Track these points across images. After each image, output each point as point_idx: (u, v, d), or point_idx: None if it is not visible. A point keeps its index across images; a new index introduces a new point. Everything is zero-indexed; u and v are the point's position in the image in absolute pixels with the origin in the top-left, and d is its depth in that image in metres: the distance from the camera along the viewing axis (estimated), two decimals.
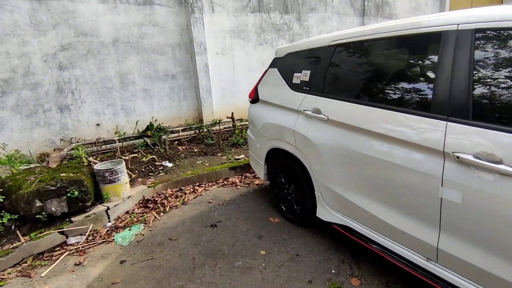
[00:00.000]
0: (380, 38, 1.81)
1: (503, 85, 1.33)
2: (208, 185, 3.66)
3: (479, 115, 1.36)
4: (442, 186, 1.44)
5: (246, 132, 5.01)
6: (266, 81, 2.87)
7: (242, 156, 4.28)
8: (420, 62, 1.64)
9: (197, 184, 3.65)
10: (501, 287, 1.32)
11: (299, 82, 2.42)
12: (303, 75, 2.37)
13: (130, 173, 3.69)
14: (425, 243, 1.59)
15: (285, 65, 2.64)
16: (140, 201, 3.21)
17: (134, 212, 3.03)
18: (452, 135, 1.40)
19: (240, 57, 6.01)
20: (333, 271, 2.07)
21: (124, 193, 3.05)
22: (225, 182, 3.71)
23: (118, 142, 4.61)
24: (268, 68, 2.87)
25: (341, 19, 7.42)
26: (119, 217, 2.95)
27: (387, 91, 1.77)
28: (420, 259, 1.65)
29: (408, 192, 1.62)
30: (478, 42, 1.38)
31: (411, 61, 1.71)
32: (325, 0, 6.99)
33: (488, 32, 1.36)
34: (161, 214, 3.02)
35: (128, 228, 2.79)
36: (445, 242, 1.50)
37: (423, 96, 1.59)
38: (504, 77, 1.32)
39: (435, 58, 1.53)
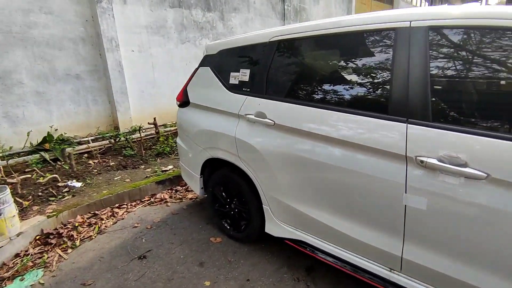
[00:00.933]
0: (329, 34, 1.66)
1: (461, 85, 1.29)
2: (131, 205, 3.07)
3: (440, 116, 1.29)
4: (406, 192, 1.34)
5: (173, 139, 4.49)
6: (197, 82, 2.50)
7: (170, 167, 3.78)
8: (374, 60, 1.53)
9: (117, 205, 3.03)
10: None
11: (237, 82, 2.13)
12: (242, 75, 2.10)
13: (21, 200, 2.85)
14: (388, 253, 1.48)
15: (219, 63, 2.33)
16: (37, 237, 2.47)
17: (29, 254, 2.29)
18: (413, 138, 1.31)
19: (160, 55, 5.43)
20: None
21: (11, 230, 2.28)
22: (152, 200, 3.18)
23: (1, 161, 3.58)
24: (198, 66, 2.51)
25: (264, 21, 7.45)
26: (4, 264, 2.18)
27: (340, 91, 1.63)
28: (382, 270, 1.54)
29: (369, 201, 1.49)
30: (432, 40, 1.32)
31: (363, 59, 1.60)
32: (247, 0, 6.90)
33: (443, 30, 1.31)
34: (69, 250, 2.36)
35: (20, 277, 2.08)
36: (410, 251, 1.41)
37: (379, 97, 1.48)
38: (462, 76, 1.28)
39: (389, 56, 1.43)
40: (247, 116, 1.98)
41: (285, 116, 1.79)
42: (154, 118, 4.83)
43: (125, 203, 3.09)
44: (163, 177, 3.42)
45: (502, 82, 1.24)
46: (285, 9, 7.99)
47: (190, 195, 3.27)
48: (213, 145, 2.27)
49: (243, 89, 2.09)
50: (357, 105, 1.54)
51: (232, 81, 2.17)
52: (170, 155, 4.22)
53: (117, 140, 4.39)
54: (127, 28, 4.89)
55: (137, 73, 5.14)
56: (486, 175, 1.14)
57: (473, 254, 1.23)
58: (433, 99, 1.30)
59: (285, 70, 1.91)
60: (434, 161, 1.24)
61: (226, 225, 2.46)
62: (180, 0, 5.58)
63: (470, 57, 1.28)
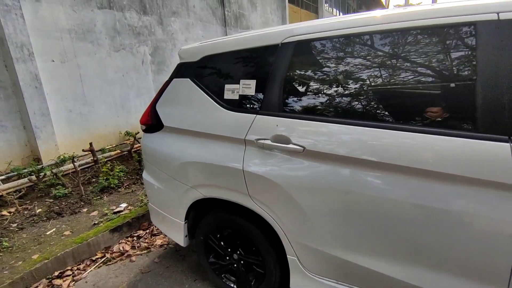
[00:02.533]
0: (377, 31, 1.27)
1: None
2: (78, 269, 2.24)
3: None
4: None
5: (119, 167, 3.63)
6: (171, 98, 1.88)
7: (123, 205, 2.98)
8: (447, 62, 1.19)
9: (57, 274, 2.17)
10: None
11: (236, 97, 1.61)
12: (244, 87, 1.58)
13: None
14: None
15: (204, 73, 1.77)
16: None
17: None
18: None
19: (90, 66, 4.45)
20: None
21: None
22: (109, 256, 2.39)
23: None
24: (171, 78, 1.90)
25: (205, 27, 6.91)
26: None
27: (405, 104, 1.25)
28: None
29: (465, 246, 1.13)
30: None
31: (433, 61, 1.24)
32: (186, 4, 6.28)
33: None
34: None
35: None
36: None
37: (463, 110, 1.15)
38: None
39: (470, 57, 1.11)
40: (260, 141, 1.48)
41: (321, 139, 1.34)
42: (91, 144, 3.87)
43: (69, 268, 2.24)
44: (117, 222, 2.63)
45: None
46: (226, 15, 7.59)
47: (159, 241, 2.56)
48: (208, 182, 1.69)
49: (247, 106, 1.58)
50: (434, 123, 1.18)
51: (229, 95, 1.64)
52: (120, 189, 3.37)
53: (41, 176, 3.35)
54: (44, 32, 3.85)
55: (62, 89, 4.09)
56: None
57: None
58: None
59: (312, 80, 1.46)
60: None
61: (227, 282, 1.88)
62: (110, 0, 4.69)
63: None
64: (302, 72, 1.48)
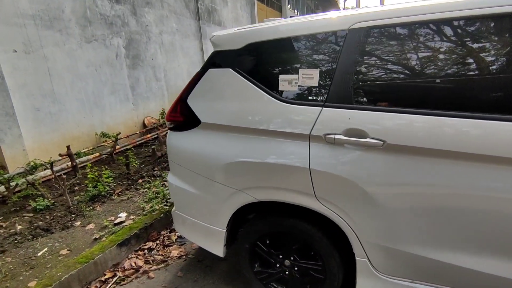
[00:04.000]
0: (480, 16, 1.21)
1: None
2: None
3: None
4: None
5: (105, 173, 3.22)
6: (209, 91, 1.66)
7: (123, 214, 2.63)
8: None
9: None
10: None
11: (295, 89, 1.46)
12: (305, 78, 1.44)
13: None
14: None
15: (250, 62, 1.58)
16: None
17: None
18: None
19: (59, 58, 3.90)
20: None
21: None
22: (121, 274, 2.07)
23: None
24: (205, 68, 1.67)
25: (179, 20, 6.53)
26: None
27: (488, 92, 1.21)
28: None
29: None
30: None
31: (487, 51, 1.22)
32: None
33: None
34: None
35: None
36: None
37: None
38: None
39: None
40: (330, 136, 1.35)
41: (405, 132, 1.25)
42: (68, 147, 3.39)
43: None
44: (123, 234, 2.30)
45: None
46: (199, 8, 7.25)
47: (174, 252, 2.29)
48: (263, 184, 1.52)
49: (309, 98, 1.43)
50: None
51: (285, 87, 1.48)
52: (112, 196, 2.98)
53: (12, 187, 2.83)
54: (1, 17, 3.26)
55: (27, 84, 3.52)
56: None
57: None
58: None
59: (387, 68, 1.37)
60: None
61: None
62: None
63: None
64: (376, 60, 1.37)
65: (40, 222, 2.49)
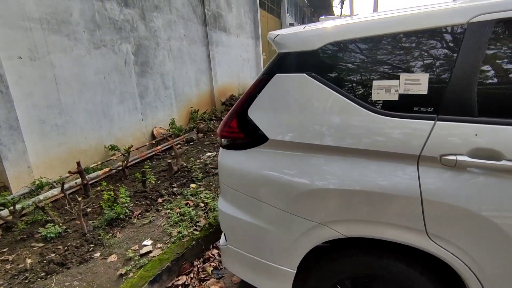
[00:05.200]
0: None
1: None
2: None
3: None
4: None
5: (122, 192, 2.87)
6: (276, 101, 1.36)
7: (148, 242, 2.29)
8: None
9: None
10: None
11: (396, 98, 1.17)
12: (408, 84, 1.15)
13: None
14: None
15: (329, 66, 1.29)
16: None
17: None
18: None
19: (66, 65, 3.57)
20: None
21: None
22: None
23: None
24: (270, 74, 1.38)
25: (186, 26, 6.26)
26: None
27: None
28: None
29: None
30: None
31: None
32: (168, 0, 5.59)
33: None
34: None
35: None
36: None
37: None
38: None
39: None
40: (448, 158, 1.06)
41: None
42: (78, 163, 3.04)
43: None
44: (154, 268, 1.96)
45: None
46: (206, 13, 7.00)
47: (214, 287, 1.96)
48: (355, 217, 1.22)
49: (416, 109, 1.15)
50: None
51: (381, 96, 1.19)
52: (132, 220, 2.64)
53: (16, 211, 2.48)
54: (7, 20, 2.94)
55: (33, 94, 3.18)
56: None
57: None
58: None
59: None
60: None
61: None
62: None
63: None
64: (506, 60, 1.10)
65: (53, 254, 2.14)
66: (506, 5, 1.06)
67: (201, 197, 2.96)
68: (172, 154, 4.61)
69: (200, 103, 6.78)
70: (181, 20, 6.07)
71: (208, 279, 2.05)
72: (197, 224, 2.48)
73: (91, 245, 2.24)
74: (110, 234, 2.39)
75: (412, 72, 1.16)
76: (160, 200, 2.98)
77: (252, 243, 1.48)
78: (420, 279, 1.23)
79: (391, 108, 1.17)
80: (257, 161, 1.38)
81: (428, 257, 1.19)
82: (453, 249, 1.11)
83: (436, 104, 1.11)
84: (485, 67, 1.08)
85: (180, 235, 2.32)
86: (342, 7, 20.21)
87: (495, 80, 1.10)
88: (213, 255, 2.29)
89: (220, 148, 1.59)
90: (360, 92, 1.23)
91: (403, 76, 1.17)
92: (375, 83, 1.20)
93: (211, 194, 3.02)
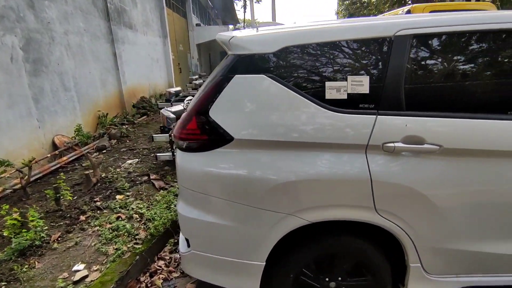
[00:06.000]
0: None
1: None
2: None
3: None
4: None
5: (32, 213, 2.38)
6: (238, 102, 1.38)
7: (80, 266, 1.98)
8: None
9: None
10: None
11: (344, 97, 1.36)
12: (354, 84, 1.35)
13: None
14: None
15: (289, 67, 1.39)
16: None
17: None
18: None
19: None
20: None
21: None
22: None
23: None
24: (229, 75, 1.39)
25: (86, 19, 5.55)
26: None
27: None
28: None
29: None
30: None
31: None
32: None
33: None
34: None
35: None
36: None
37: None
38: None
39: None
40: (388, 145, 1.31)
41: (459, 136, 1.31)
42: None
43: None
44: None
45: None
46: (108, 7, 6.33)
47: None
48: (319, 203, 1.36)
49: (361, 105, 1.36)
50: None
51: (333, 95, 1.36)
52: (51, 245, 2.21)
53: None
54: None
55: None
56: None
57: None
58: None
59: (431, 75, 1.40)
60: None
61: None
62: None
63: None
64: (426, 66, 1.40)
65: None
66: (417, 24, 1.36)
67: (133, 208, 2.71)
68: (83, 165, 4.05)
69: (108, 106, 6.10)
70: (79, 12, 5.34)
71: None
72: (137, 237, 2.28)
73: (3, 284, 1.81)
74: (27, 266, 1.97)
75: (357, 74, 1.37)
76: (82, 217, 2.60)
77: (219, 243, 1.48)
78: (370, 249, 1.46)
79: (342, 105, 1.35)
80: (222, 162, 1.38)
81: (375, 230, 1.43)
82: (394, 219, 1.36)
83: (376, 101, 1.34)
84: (409, 71, 1.36)
85: (119, 251, 2.09)
86: (245, 11, 21.05)
87: (416, 80, 1.39)
88: (160, 266, 2.15)
89: (178, 151, 1.52)
90: (315, 92, 1.37)
91: (350, 78, 1.36)
92: (327, 83, 1.36)
93: (144, 204, 2.80)
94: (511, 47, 1.40)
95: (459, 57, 1.41)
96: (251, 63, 1.40)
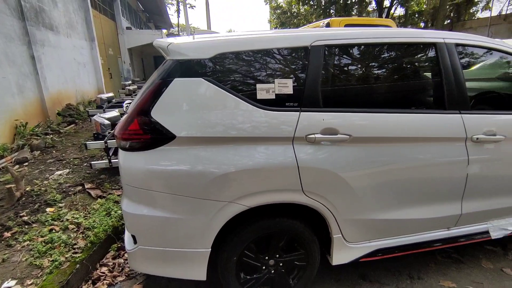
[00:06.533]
0: (394, 43, 1.74)
1: None
2: None
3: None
4: (468, 164, 1.81)
5: None
6: (179, 103, 1.50)
7: (11, 282, 1.84)
8: (422, 67, 1.83)
9: None
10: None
11: (273, 97, 1.58)
12: (280, 86, 1.59)
13: None
14: (449, 216, 1.90)
15: (222, 72, 1.57)
16: None
17: None
18: (469, 122, 1.78)
19: None
20: None
21: None
22: None
23: None
24: (168, 79, 1.50)
25: None
26: None
27: (413, 94, 1.79)
28: (441, 232, 1.94)
29: (440, 181, 1.81)
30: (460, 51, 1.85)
31: (405, 67, 1.85)
32: None
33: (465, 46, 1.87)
34: None
35: None
36: (467, 206, 1.90)
37: (434, 94, 1.83)
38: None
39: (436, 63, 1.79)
40: (310, 136, 1.58)
41: (362, 127, 1.65)
42: None
43: None
44: None
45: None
46: (22, 5, 5.73)
47: None
48: (256, 190, 1.55)
49: (287, 104, 1.60)
50: (421, 105, 1.80)
51: (263, 95, 1.58)
52: None
53: None
54: None
55: None
56: None
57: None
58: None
59: (340, 78, 1.71)
60: (483, 136, 1.79)
61: None
62: None
63: None
64: (335, 70, 1.71)
65: None
66: (328, 36, 1.66)
67: (67, 219, 2.57)
68: (1, 179, 3.62)
69: (28, 114, 5.51)
70: None
71: None
72: (75, 246, 2.20)
73: None
74: None
75: (282, 77, 1.61)
76: (7, 234, 2.38)
77: (166, 236, 1.57)
78: (300, 226, 1.70)
79: (271, 104, 1.57)
80: (166, 159, 1.49)
81: (304, 210, 1.69)
82: (319, 199, 1.63)
83: (299, 100, 1.60)
84: (323, 74, 1.65)
85: (56, 263, 2.00)
86: (178, 16, 20.75)
87: (329, 82, 1.69)
88: (104, 273, 2.11)
89: (121, 151, 1.57)
90: (248, 92, 1.57)
91: (276, 80, 1.59)
92: (258, 85, 1.58)
93: (80, 214, 2.67)
94: (400, 57, 1.81)
95: (361, 63, 1.77)
96: (189, 68, 1.53)
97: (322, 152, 1.60)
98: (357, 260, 1.82)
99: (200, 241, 1.58)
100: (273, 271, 1.77)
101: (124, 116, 1.65)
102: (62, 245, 2.20)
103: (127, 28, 15.72)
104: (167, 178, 1.50)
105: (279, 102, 1.59)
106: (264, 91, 1.58)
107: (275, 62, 1.64)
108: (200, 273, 1.63)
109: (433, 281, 1.99)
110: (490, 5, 16.21)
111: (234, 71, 1.59)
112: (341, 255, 1.80)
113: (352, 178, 1.64)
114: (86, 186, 3.24)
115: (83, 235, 2.34)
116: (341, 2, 17.41)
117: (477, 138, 1.78)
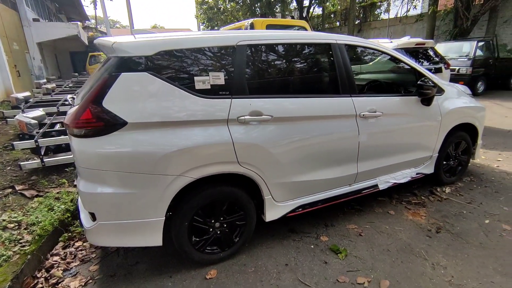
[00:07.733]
0: (297, 43, 2.24)
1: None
2: None
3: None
4: (359, 134, 2.44)
5: None
6: (128, 94, 1.74)
7: None
8: (317, 62, 2.38)
9: None
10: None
11: (209, 87, 1.93)
12: (214, 78, 1.94)
13: None
14: (350, 175, 2.53)
15: (163, 67, 1.85)
16: None
17: None
18: (357, 103, 2.41)
19: None
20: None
21: None
22: None
23: None
24: (116, 73, 1.73)
25: None
26: None
27: (312, 82, 2.32)
28: (345, 188, 2.57)
29: (340, 148, 2.41)
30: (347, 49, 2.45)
31: (310, 61, 2.38)
32: None
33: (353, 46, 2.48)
34: None
35: None
36: (361, 166, 2.55)
37: (331, 83, 2.40)
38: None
39: (332, 58, 2.36)
40: (241, 118, 1.98)
41: (280, 109, 2.11)
42: None
43: None
44: None
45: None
46: None
47: (75, 283, 2.00)
48: (199, 164, 1.89)
49: (221, 92, 1.97)
50: (321, 91, 2.36)
51: (200, 86, 1.92)
52: None
53: None
54: None
55: None
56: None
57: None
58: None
59: (261, 71, 2.15)
60: (367, 113, 2.44)
61: (214, 250, 2.13)
62: None
63: None
64: (257, 65, 2.13)
65: None
66: (249, 37, 2.08)
67: (4, 219, 2.52)
68: None
69: None
70: None
71: (63, 280, 2.03)
72: (21, 241, 2.23)
73: None
74: None
75: (215, 71, 1.97)
76: None
77: (124, 210, 1.80)
78: (238, 192, 2.10)
79: (207, 93, 1.92)
80: (121, 142, 1.72)
81: (240, 178, 2.09)
82: (251, 168, 2.04)
83: (230, 89, 1.98)
84: (248, 68, 2.07)
85: (4, 257, 2.03)
86: (95, 8, 19.15)
87: (253, 74, 2.11)
88: (56, 261, 2.21)
89: (74, 138, 1.74)
90: (188, 84, 1.89)
91: (211, 74, 1.95)
92: (196, 78, 1.91)
93: (18, 213, 2.63)
94: (307, 54, 2.34)
95: (277, 59, 2.24)
96: (134, 64, 1.79)
97: (252, 130, 2.02)
98: (285, 216, 2.30)
99: (155, 211, 1.85)
100: (219, 231, 2.14)
101: (74, 107, 1.81)
102: (6, 241, 2.20)
103: (34, 19, 13.97)
104: (122, 158, 1.74)
105: (214, 91, 1.95)
106: (201, 82, 1.92)
107: (209, 58, 1.99)
108: (156, 240, 1.91)
109: (341, 226, 2.60)
110: (390, 8, 18.96)
111: (174, 66, 1.90)
112: (272, 213, 2.26)
113: (276, 149, 2.10)
114: (17, 188, 3.12)
115: (28, 231, 2.36)
116: (263, 0, 18.32)
117: (363, 115, 2.41)
